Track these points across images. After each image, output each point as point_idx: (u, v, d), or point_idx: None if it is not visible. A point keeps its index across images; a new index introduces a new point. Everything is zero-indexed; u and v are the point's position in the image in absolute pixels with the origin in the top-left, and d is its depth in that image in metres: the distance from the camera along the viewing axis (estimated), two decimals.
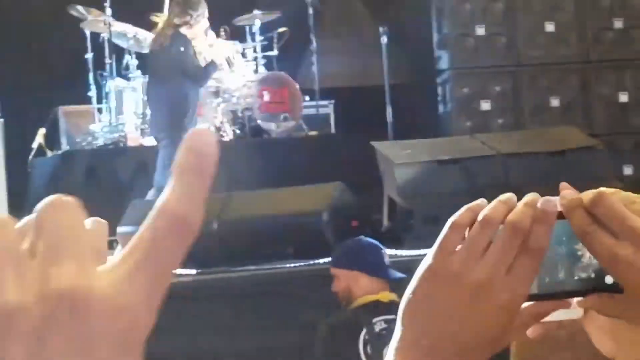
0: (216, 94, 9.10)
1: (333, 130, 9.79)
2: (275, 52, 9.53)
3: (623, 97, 11.41)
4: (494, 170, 6.89)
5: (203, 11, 8.12)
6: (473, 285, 0.93)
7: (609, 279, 0.98)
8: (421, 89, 11.09)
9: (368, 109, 8.63)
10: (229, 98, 9.11)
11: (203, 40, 8.38)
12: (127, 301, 0.59)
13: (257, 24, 9.49)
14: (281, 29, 9.48)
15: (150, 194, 7.52)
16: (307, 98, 9.69)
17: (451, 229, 0.97)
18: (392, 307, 4.36)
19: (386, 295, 4.44)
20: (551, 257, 0.98)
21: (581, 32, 11.25)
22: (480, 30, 10.93)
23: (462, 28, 10.89)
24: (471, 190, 6.57)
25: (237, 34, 9.55)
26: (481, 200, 0.98)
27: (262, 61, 9.47)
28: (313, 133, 9.49)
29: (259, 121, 9.11)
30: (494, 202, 0.97)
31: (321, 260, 5.91)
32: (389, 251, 6.05)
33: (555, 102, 11.14)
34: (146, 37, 8.97)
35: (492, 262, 0.94)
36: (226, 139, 8.98)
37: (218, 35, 9.30)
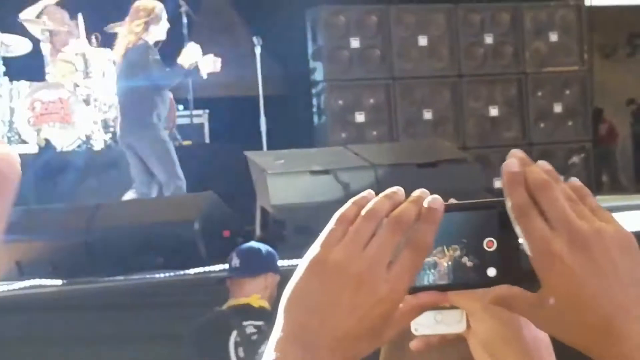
0: (87, 102, 8.92)
1: (207, 140, 9.72)
2: None
3: (493, 111, 11.67)
4: (366, 181, 6.93)
5: None
6: (354, 278, 0.93)
7: (491, 272, 0.98)
8: (296, 100, 11.12)
9: (242, 119, 8.59)
10: (100, 106, 8.95)
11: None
12: None
13: None
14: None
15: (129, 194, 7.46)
16: (181, 107, 9.60)
17: (336, 221, 0.96)
18: (262, 313, 4.33)
19: (256, 300, 4.39)
20: (437, 251, 0.98)
21: (453, 47, 11.46)
22: (355, 43, 11.03)
23: (336, 40, 10.97)
24: (344, 201, 6.58)
25: (109, 42, 9.40)
26: (368, 192, 0.98)
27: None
28: (187, 142, 9.40)
29: None
30: (379, 196, 0.96)
31: (192, 271, 5.84)
32: None
33: (427, 115, 11.31)
34: (12, 42, 8.77)
35: (373, 255, 0.93)
36: (96, 148, 8.81)
37: (90, 43, 9.15)
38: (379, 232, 0.94)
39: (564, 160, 11.71)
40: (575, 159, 11.81)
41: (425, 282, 0.99)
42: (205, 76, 7.86)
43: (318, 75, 10.99)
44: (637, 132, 19.04)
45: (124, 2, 10.85)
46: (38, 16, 9.17)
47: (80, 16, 9.13)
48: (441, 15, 11.47)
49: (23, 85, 8.90)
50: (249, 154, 7.57)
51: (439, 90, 11.44)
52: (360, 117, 10.98)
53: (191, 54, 7.79)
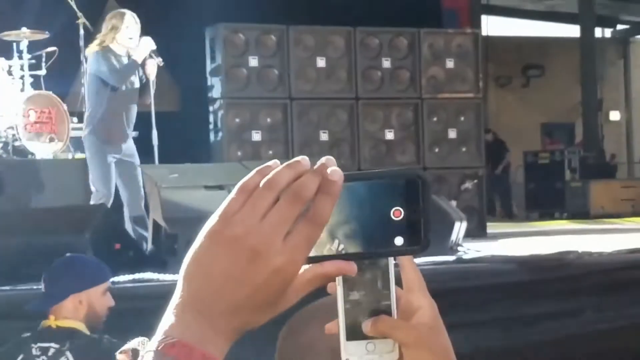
0: None
1: None
2: (43, 72, 9.27)
3: (389, 135, 11.80)
4: None
5: None
6: (249, 249, 0.93)
7: (398, 240, 0.99)
8: (193, 117, 11.07)
9: (137, 133, 8.49)
10: None
11: None
12: None
13: (25, 41, 9.21)
14: (50, 48, 9.24)
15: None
16: (75, 120, 9.48)
17: (237, 190, 0.96)
18: (56, 333, 4.01)
19: (53, 321, 4.02)
20: (337, 220, 0.98)
21: (350, 69, 11.56)
22: (253, 62, 11.05)
23: (235, 58, 10.97)
24: None
25: (4, 50, 9.25)
26: (273, 162, 0.98)
27: (29, 80, 9.18)
28: (80, 155, 9.27)
29: (23, 141, 8.81)
30: (281, 166, 0.96)
31: None
32: (152, 275, 5.98)
33: (324, 136, 11.38)
34: None
35: (270, 226, 0.93)
36: None
37: None
38: (278, 203, 0.94)
39: (457, 185, 11.90)
40: (468, 184, 12.00)
41: (327, 252, 0.98)
42: (151, 78, 7.86)
43: (216, 93, 10.98)
44: (528, 161, 19.46)
45: (19, 10, 10.70)
46: None
47: None
48: (340, 37, 11.57)
49: None
50: (143, 166, 7.52)
51: (336, 112, 11.52)
52: (256, 136, 11.00)
53: (147, 46, 7.77)
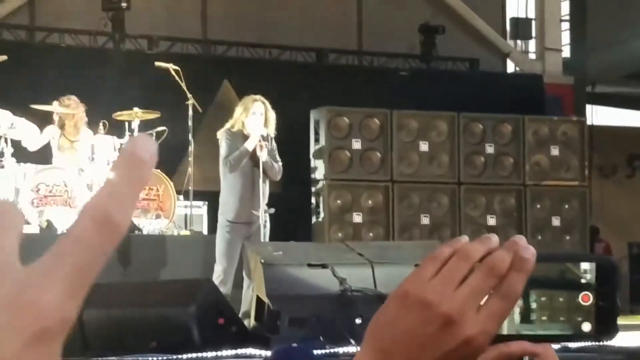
0: (90, 187, 8.99)
1: (205, 231, 9.75)
2: None
3: (491, 221, 11.72)
4: (363, 277, 6.93)
5: None
6: (442, 316, 0.94)
7: (585, 327, 0.99)
8: (296, 197, 11.18)
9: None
10: None
11: None
12: (34, 297, 0.62)
13: (137, 121, 9.47)
14: (160, 128, 9.48)
15: None
16: (181, 198, 9.65)
17: (429, 259, 0.98)
18: None
19: None
20: (527, 300, 0.99)
21: (453, 154, 11.57)
22: (357, 144, 11.15)
23: (338, 141, 11.09)
24: (340, 295, 6.59)
25: (116, 129, 9.52)
26: (462, 237, 1.00)
27: None
28: (185, 232, 9.43)
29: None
30: (474, 240, 0.98)
31: (184, 356, 5.81)
32: (254, 351, 6.01)
33: (425, 220, 11.36)
34: (23, 126, 8.92)
35: (465, 297, 0.95)
36: None
37: (97, 129, 9.26)
38: (473, 275, 0.95)
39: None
40: None
41: (514, 329, 0.99)
42: (262, 159, 8.11)
43: (318, 174, 11.08)
44: (633, 253, 19.06)
45: (132, 90, 11.03)
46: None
47: (82, 106, 9.28)
48: (443, 122, 11.61)
49: (29, 167, 8.98)
50: (247, 243, 7.60)
51: (437, 196, 11.51)
52: (357, 218, 11.04)
53: (258, 134, 8.00)
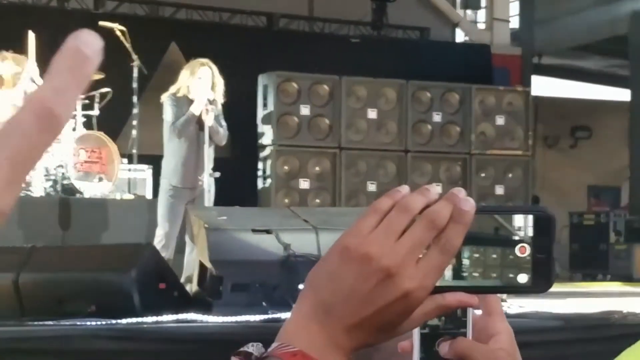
0: None
1: (149, 195, 9.63)
2: (96, 112, 9.34)
3: (437, 189, 11.74)
4: (307, 243, 6.88)
5: None
6: (382, 269, 0.93)
7: (522, 278, 0.97)
8: (242, 162, 11.09)
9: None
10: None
11: None
12: None
13: None
14: (104, 89, 9.31)
15: None
16: (125, 161, 9.52)
17: (370, 211, 0.97)
18: None
19: None
20: (460, 251, 0.97)
21: (401, 122, 11.55)
22: (305, 110, 11.08)
23: (287, 106, 11.00)
24: (284, 260, 6.54)
25: None
26: (402, 187, 0.99)
27: (81, 119, 9.24)
28: (128, 196, 9.30)
29: (72, 180, 8.85)
30: (414, 192, 0.97)
31: (124, 321, 5.72)
32: (196, 316, 5.94)
33: (371, 187, 11.34)
34: None
35: (404, 250, 0.94)
36: (35, 195, 8.68)
37: None
38: (413, 227, 0.94)
39: None
40: None
41: (452, 282, 0.98)
42: (208, 124, 7.99)
43: (266, 140, 11.00)
44: (573, 222, 19.27)
45: None
46: None
47: (25, 59, 9.05)
48: (392, 90, 11.58)
49: None
50: (190, 208, 7.52)
51: (384, 163, 11.50)
52: (304, 184, 10.99)
53: (204, 98, 7.94)
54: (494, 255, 0.98)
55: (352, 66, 12.09)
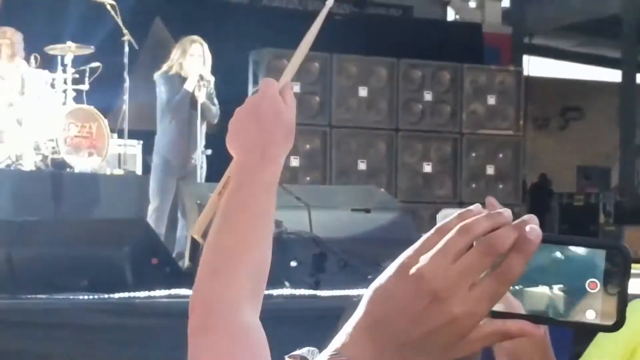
0: (19, 122, 8.77)
1: (140, 171, 9.60)
2: (86, 86, 9.29)
3: (427, 168, 11.74)
4: (299, 220, 6.89)
5: None
6: (432, 291, 0.92)
7: (590, 314, 0.93)
8: None
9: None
10: (33, 127, 8.80)
11: None
12: None
13: (70, 55, 9.24)
14: (94, 64, 9.26)
15: None
16: (115, 136, 9.48)
17: (436, 231, 0.95)
18: None
19: None
20: (526, 278, 0.93)
21: (392, 100, 11.53)
22: (295, 88, 11.03)
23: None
24: (275, 238, 6.52)
25: (48, 63, 9.27)
26: (475, 206, 0.96)
27: (71, 94, 9.20)
28: (119, 172, 9.27)
29: (63, 154, 8.82)
30: (483, 215, 0.94)
31: (116, 295, 5.71)
32: (188, 291, 5.93)
33: (362, 166, 11.34)
34: None
35: (457, 274, 0.92)
36: (26, 168, 8.65)
37: (28, 63, 9.01)
38: (470, 251, 0.92)
39: None
40: None
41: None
42: (200, 101, 8.00)
43: None
44: (562, 202, 19.32)
45: (66, 24, 10.77)
46: None
47: (19, 35, 8.99)
48: (383, 68, 11.55)
49: None
50: (183, 183, 7.50)
51: (375, 142, 11.48)
52: (295, 162, 10.97)
53: (197, 74, 7.98)
54: (561, 288, 0.94)
55: (343, 43, 12.05)
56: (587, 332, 0.99)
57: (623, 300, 0.93)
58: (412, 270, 0.93)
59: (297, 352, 1.00)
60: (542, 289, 0.94)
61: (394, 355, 0.94)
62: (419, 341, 0.93)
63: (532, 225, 0.92)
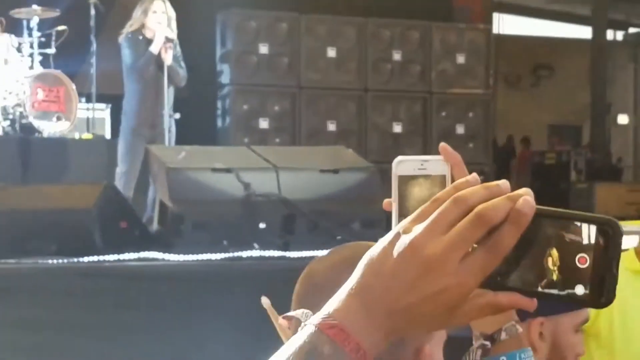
0: None
1: (108, 135, 9.58)
2: (52, 50, 9.23)
3: (397, 128, 11.76)
4: (267, 182, 6.90)
5: None
6: (424, 260, 0.92)
7: (579, 289, 0.93)
8: (201, 102, 11.03)
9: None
10: (0, 92, 8.74)
11: None
12: None
13: (36, 19, 9.17)
14: (60, 27, 9.20)
15: None
16: (83, 100, 9.44)
17: (431, 201, 0.95)
18: None
19: None
20: (517, 251, 0.94)
21: (361, 60, 11.51)
22: (264, 49, 11.01)
23: (245, 45, 10.93)
24: (244, 200, 6.55)
25: (14, 27, 9.20)
26: (472, 176, 0.96)
27: (38, 58, 9.14)
28: (87, 136, 9.25)
29: (30, 119, 8.78)
30: (480, 186, 0.94)
31: (85, 259, 5.73)
32: (157, 254, 5.96)
33: (331, 127, 11.34)
34: None
35: (449, 244, 0.92)
36: None
37: None
38: (462, 221, 0.92)
39: None
40: None
41: (510, 283, 0.95)
42: (167, 64, 7.97)
43: (225, 78, 10.94)
44: (534, 160, 19.42)
45: None
46: None
47: None
48: (352, 27, 11.53)
49: None
50: (151, 147, 7.49)
51: (345, 102, 11.48)
52: (264, 123, 10.97)
53: (163, 36, 7.95)
54: (552, 262, 0.94)
55: (311, 3, 11.99)
56: (576, 307, 1.00)
57: (612, 276, 0.93)
58: (405, 239, 0.93)
59: (292, 313, 1.01)
60: (533, 262, 0.94)
61: (383, 322, 0.94)
62: (409, 309, 0.93)
63: (526, 198, 0.92)
